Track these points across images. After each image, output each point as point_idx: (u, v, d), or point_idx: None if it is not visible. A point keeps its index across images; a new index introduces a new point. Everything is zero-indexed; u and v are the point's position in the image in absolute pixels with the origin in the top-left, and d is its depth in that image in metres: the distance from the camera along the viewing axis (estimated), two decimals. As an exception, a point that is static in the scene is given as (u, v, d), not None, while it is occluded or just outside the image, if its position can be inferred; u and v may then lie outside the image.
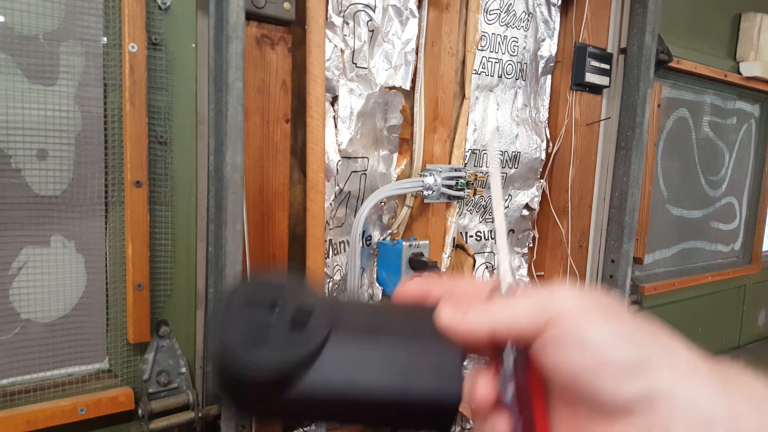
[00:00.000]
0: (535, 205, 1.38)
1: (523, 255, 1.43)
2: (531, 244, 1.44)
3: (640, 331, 0.27)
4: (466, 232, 1.29)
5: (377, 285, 1.14)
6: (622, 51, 1.42)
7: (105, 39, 0.79)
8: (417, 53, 1.08)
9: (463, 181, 1.10)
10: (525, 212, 1.39)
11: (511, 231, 1.39)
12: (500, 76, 1.24)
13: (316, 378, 0.28)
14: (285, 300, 0.29)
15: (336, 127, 0.99)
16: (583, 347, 0.26)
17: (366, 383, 0.28)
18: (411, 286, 0.34)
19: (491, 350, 0.31)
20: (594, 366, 0.26)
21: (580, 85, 1.33)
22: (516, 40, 1.25)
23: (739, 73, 1.79)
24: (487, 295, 0.32)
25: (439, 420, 0.29)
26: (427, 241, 1.11)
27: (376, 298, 1.13)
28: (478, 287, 0.33)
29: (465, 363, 0.30)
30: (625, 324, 0.27)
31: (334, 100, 0.99)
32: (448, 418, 0.29)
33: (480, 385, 0.29)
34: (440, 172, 1.07)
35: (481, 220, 1.31)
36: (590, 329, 0.26)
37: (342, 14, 0.97)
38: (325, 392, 0.28)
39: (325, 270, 1.04)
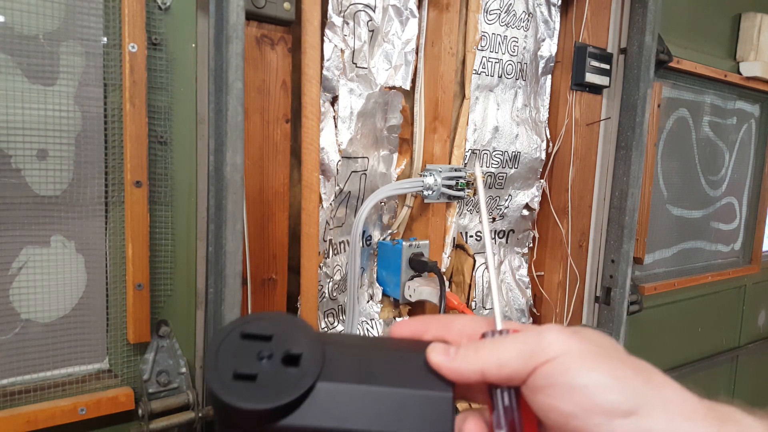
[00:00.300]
0: (535, 205, 1.38)
1: (523, 255, 1.43)
2: (531, 244, 1.44)
3: (633, 374, 0.27)
4: (466, 232, 1.29)
5: (377, 285, 1.14)
6: (622, 51, 1.42)
7: (105, 39, 0.79)
8: (417, 53, 1.08)
9: (463, 181, 1.09)
10: (525, 212, 1.39)
11: (511, 231, 1.39)
12: (500, 76, 1.24)
13: (303, 422, 0.28)
14: (278, 339, 0.30)
15: (336, 127, 0.99)
16: (571, 391, 0.26)
17: (353, 430, 0.28)
18: (407, 325, 0.34)
19: (483, 389, 0.31)
20: (584, 409, 0.26)
21: (580, 85, 1.33)
22: (516, 40, 1.25)
23: (739, 73, 1.79)
24: (480, 335, 0.31)
25: None
26: (427, 241, 1.11)
27: (376, 298, 1.13)
28: (474, 326, 0.32)
29: (454, 405, 0.30)
30: (616, 368, 0.27)
31: (334, 100, 0.99)
32: None
33: (468, 428, 0.30)
34: (440, 172, 1.07)
35: (481, 220, 1.31)
36: (579, 374, 0.26)
37: (342, 14, 0.97)
38: None
39: (326, 270, 1.04)
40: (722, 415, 0.26)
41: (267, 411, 0.27)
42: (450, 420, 0.29)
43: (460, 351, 0.30)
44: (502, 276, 1.37)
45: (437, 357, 0.30)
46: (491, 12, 1.19)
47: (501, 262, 1.37)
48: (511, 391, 0.29)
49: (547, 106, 1.35)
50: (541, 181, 1.38)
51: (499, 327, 0.31)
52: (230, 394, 0.27)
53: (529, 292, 1.41)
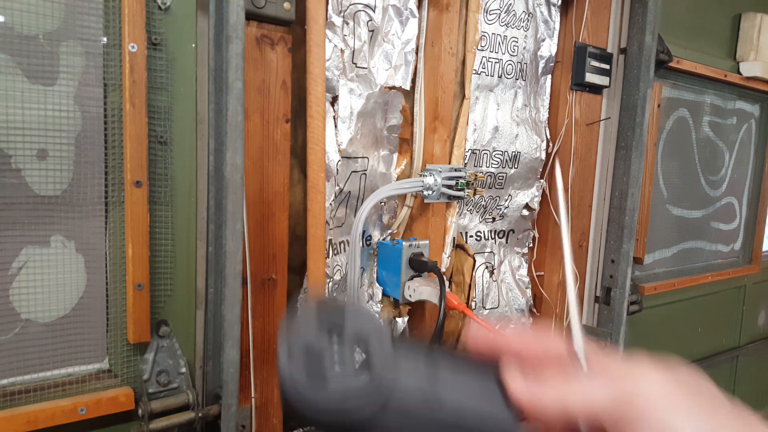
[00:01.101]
0: (535, 205, 1.38)
1: (523, 255, 1.43)
2: (531, 244, 1.44)
3: (731, 423, 0.26)
4: (466, 232, 1.29)
5: (377, 285, 1.14)
6: (622, 51, 1.42)
7: (105, 39, 0.79)
8: (417, 53, 1.08)
9: (463, 181, 1.09)
10: (525, 212, 1.39)
11: (511, 231, 1.39)
12: (500, 76, 1.24)
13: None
14: (355, 338, 0.29)
15: (336, 127, 0.99)
16: None
17: None
18: (481, 337, 0.32)
19: (559, 421, 0.30)
20: None
21: (580, 85, 1.33)
22: (516, 40, 1.25)
23: (739, 73, 1.79)
24: (563, 366, 0.30)
25: None
26: (427, 241, 1.11)
27: (375, 298, 1.13)
28: (550, 349, 0.31)
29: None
30: (712, 415, 0.26)
31: (334, 100, 0.99)
32: None
33: None
34: (440, 172, 1.07)
35: (481, 220, 1.31)
36: (674, 419, 0.26)
37: (342, 14, 0.97)
38: None
39: (326, 270, 1.04)
40: None
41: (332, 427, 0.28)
42: None
43: (545, 384, 0.29)
44: (501, 276, 1.37)
45: (519, 385, 0.29)
46: (491, 12, 1.19)
47: (501, 263, 1.37)
48: (592, 428, 0.28)
49: (547, 106, 1.35)
50: (541, 181, 1.38)
51: (584, 368, 0.30)
52: (304, 408, 0.28)
53: (529, 292, 1.41)
